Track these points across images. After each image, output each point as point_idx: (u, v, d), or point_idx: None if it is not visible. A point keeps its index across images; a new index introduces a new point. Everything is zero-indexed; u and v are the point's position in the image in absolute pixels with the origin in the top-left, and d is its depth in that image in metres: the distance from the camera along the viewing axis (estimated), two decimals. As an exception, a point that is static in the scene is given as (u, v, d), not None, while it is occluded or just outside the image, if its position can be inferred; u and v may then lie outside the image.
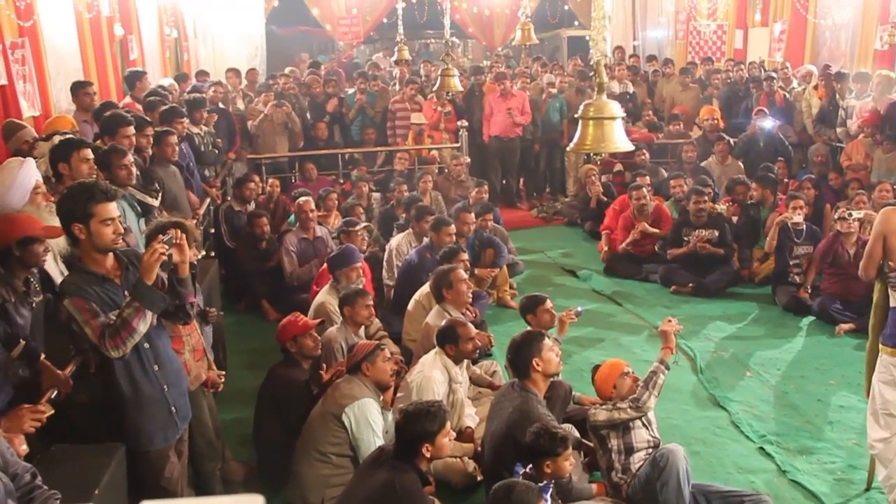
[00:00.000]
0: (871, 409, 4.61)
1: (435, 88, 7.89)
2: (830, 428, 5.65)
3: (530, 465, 4.04)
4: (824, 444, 5.46)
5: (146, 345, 3.80)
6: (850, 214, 7.26)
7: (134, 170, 5.52)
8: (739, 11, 15.40)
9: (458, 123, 11.42)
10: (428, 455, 3.98)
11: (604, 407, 4.67)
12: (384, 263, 7.99)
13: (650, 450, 4.59)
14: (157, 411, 3.90)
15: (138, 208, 5.63)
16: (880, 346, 4.49)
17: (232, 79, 12.00)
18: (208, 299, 5.93)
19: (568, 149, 3.12)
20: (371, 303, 5.80)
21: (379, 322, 6.71)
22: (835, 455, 5.31)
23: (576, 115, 2.95)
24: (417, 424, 3.96)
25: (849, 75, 10.98)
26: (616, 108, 2.88)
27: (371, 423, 4.61)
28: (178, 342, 4.43)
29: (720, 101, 12.38)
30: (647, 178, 9.78)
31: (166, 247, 3.64)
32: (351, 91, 12.65)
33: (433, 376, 5.12)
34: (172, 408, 3.96)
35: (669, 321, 4.95)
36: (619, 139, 2.85)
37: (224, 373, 5.05)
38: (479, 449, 5.04)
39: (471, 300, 6.39)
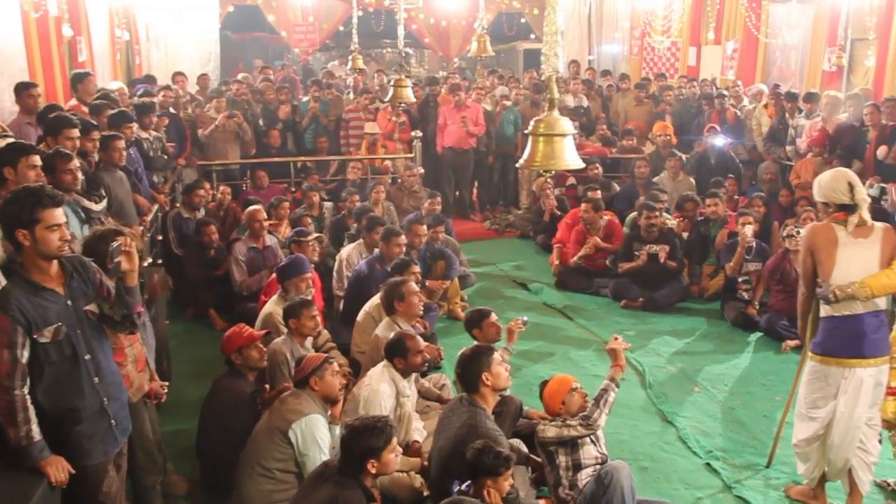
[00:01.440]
0: (797, 412, 4.89)
1: (387, 99, 7.83)
2: (779, 444, 5.67)
3: (468, 483, 3.99)
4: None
5: (87, 356, 3.69)
6: (798, 232, 7.34)
7: (79, 174, 5.40)
8: (693, 29, 15.60)
9: (412, 134, 11.39)
10: (373, 471, 3.91)
11: (553, 423, 4.64)
12: (334, 274, 7.91)
13: (597, 466, 4.58)
14: (96, 424, 3.78)
15: (82, 214, 5.50)
16: (809, 353, 4.76)
17: (181, 83, 11.82)
18: (154, 308, 5.80)
19: (517, 165, 3.07)
20: (317, 313, 5.71)
21: (327, 333, 6.64)
22: (780, 471, 5.35)
23: (526, 132, 2.93)
24: (363, 440, 3.89)
25: (798, 95, 11.17)
26: (567, 125, 2.86)
27: (318, 441, 4.52)
28: (121, 354, 4.31)
29: (673, 118, 12.51)
30: (599, 192, 9.83)
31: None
32: (305, 99, 12.56)
33: (381, 390, 5.06)
34: (112, 421, 3.84)
35: (617, 339, 4.97)
36: (569, 156, 2.82)
37: (167, 383, 4.93)
38: (426, 464, 4.98)
39: (421, 312, 6.33)
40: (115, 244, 3.63)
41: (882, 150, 9.22)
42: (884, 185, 9.06)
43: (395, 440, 4.02)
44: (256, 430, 4.72)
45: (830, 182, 4.63)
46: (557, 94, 2.92)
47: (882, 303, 4.59)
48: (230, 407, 4.99)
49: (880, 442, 4.82)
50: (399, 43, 7.21)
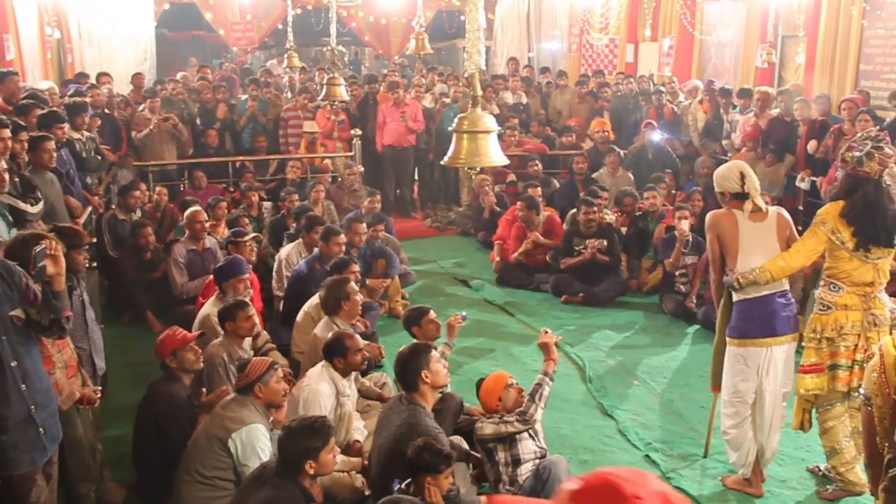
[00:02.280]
0: (723, 400, 5.09)
1: (320, 97, 7.78)
2: (713, 434, 5.77)
3: (408, 481, 3.98)
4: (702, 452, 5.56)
5: (13, 363, 3.59)
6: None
7: (6, 176, 5.26)
8: (630, 26, 15.79)
9: (352, 132, 11.33)
10: (311, 472, 3.88)
11: (490, 420, 4.66)
12: (274, 274, 7.83)
13: (537, 461, 4.61)
14: (23, 433, 3.68)
15: (9, 217, 5.36)
16: (727, 339, 4.96)
17: (106, 83, 11.57)
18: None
19: (442, 162, 3.08)
20: (253, 314, 5.64)
21: (267, 334, 6.57)
22: (717, 461, 5.43)
23: (450, 129, 2.94)
24: (300, 441, 3.86)
25: (732, 91, 11.37)
26: (491, 122, 2.87)
27: (258, 451, 4.44)
28: (48, 362, 4.20)
29: (611, 114, 12.63)
30: (539, 188, 9.88)
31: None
32: (243, 97, 12.42)
33: (320, 390, 5.02)
34: (41, 429, 3.75)
35: (547, 332, 5.04)
36: (493, 153, 2.82)
37: (100, 388, 4.84)
38: (367, 463, 4.96)
39: (361, 311, 6.31)
40: (38, 248, 3.54)
41: (812, 145, 9.43)
42: (814, 178, 9.28)
43: (332, 440, 3.99)
44: (196, 436, 4.64)
45: (725, 173, 4.98)
46: (480, 91, 2.93)
47: (786, 282, 4.91)
48: (166, 411, 4.90)
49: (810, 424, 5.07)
50: (332, 41, 7.14)
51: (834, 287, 4.76)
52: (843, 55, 10.78)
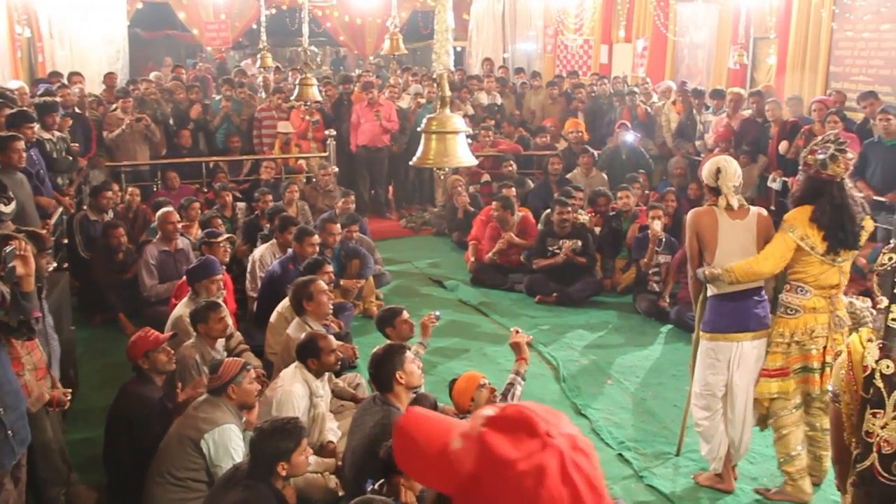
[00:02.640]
0: (693, 392, 5.15)
1: (293, 98, 7.77)
2: (686, 433, 5.81)
3: (381, 482, 3.97)
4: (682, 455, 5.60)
5: (-20, 365, 3.56)
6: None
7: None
8: (604, 27, 15.86)
9: (326, 132, 11.31)
10: (283, 473, 3.87)
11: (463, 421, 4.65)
12: (247, 275, 7.80)
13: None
14: (-10, 436, 3.65)
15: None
16: (700, 332, 5.03)
17: (78, 82, 11.47)
18: (57, 314, 5.64)
19: (411, 163, 3.08)
20: (225, 315, 5.61)
21: (240, 335, 6.55)
22: (689, 459, 5.47)
23: (418, 129, 2.95)
24: (273, 442, 3.85)
25: (705, 92, 11.46)
26: (459, 123, 2.88)
27: (231, 451, 4.42)
28: (17, 363, 4.16)
29: (585, 115, 12.68)
30: (514, 189, 9.91)
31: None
32: (217, 98, 12.36)
33: (294, 391, 5.00)
34: (9, 431, 3.71)
35: (518, 332, 5.05)
36: (461, 154, 2.83)
37: (70, 390, 4.79)
38: (341, 464, 4.95)
39: (332, 312, 6.29)
40: (7, 249, 3.51)
41: (783, 146, 9.53)
42: (786, 178, 9.36)
43: (305, 441, 3.98)
44: (168, 438, 4.61)
45: (707, 165, 5.06)
46: (449, 92, 2.94)
47: (762, 280, 4.92)
48: (138, 413, 4.86)
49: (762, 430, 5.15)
50: (304, 41, 7.13)
51: (801, 290, 4.75)
52: (814, 57, 10.91)
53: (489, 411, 1.50)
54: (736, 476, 5.18)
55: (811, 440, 4.98)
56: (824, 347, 4.72)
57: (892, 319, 2.99)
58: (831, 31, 10.64)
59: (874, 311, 6.88)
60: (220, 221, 8.51)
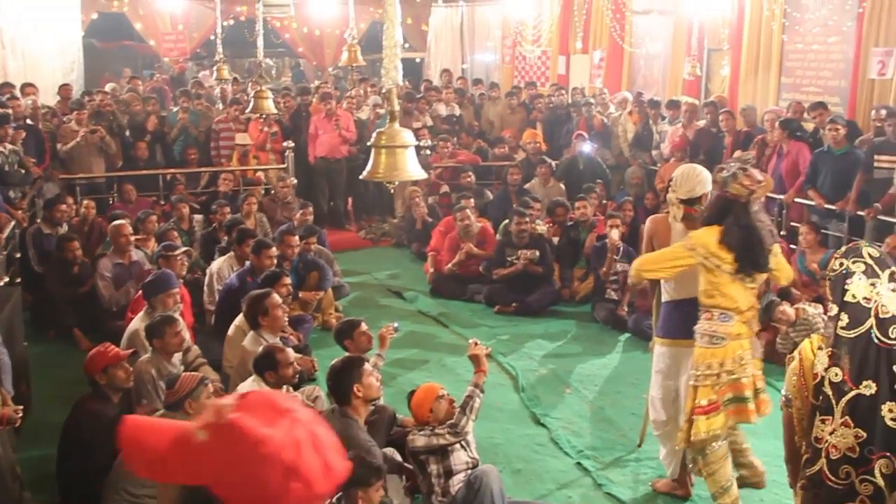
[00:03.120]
0: (650, 396, 5.19)
1: (248, 110, 7.74)
2: (645, 439, 5.88)
3: (339, 495, 3.97)
4: (638, 455, 5.68)
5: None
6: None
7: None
8: (562, 39, 16.00)
9: (285, 144, 11.27)
10: None
11: (422, 433, 4.67)
12: (205, 288, 7.75)
13: (469, 471, 4.64)
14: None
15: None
16: (655, 338, 5.01)
17: (31, 94, 11.31)
18: (9, 330, 5.56)
19: (361, 176, 3.11)
20: (181, 329, 5.56)
21: (198, 349, 6.49)
22: (647, 466, 5.52)
23: (368, 143, 2.97)
24: None
25: (661, 102, 11.60)
26: (408, 137, 2.91)
27: None
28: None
29: (543, 125, 12.78)
30: (472, 199, 9.95)
31: None
32: (175, 109, 12.28)
33: (251, 404, 4.97)
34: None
35: (477, 344, 5.05)
36: (411, 167, 2.87)
37: (22, 407, 4.73)
38: (300, 477, 4.92)
39: (290, 324, 6.28)
40: None
41: (737, 155, 9.66)
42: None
43: None
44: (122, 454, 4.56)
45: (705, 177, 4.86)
46: (398, 106, 2.97)
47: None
48: (92, 430, 4.79)
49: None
50: (259, 53, 7.12)
51: (724, 317, 4.54)
52: (766, 68, 11.10)
53: (229, 401, 1.58)
54: (692, 482, 5.22)
55: (737, 453, 4.86)
56: (753, 374, 4.57)
57: (842, 328, 3.02)
58: (782, 43, 10.84)
59: (825, 318, 7.02)
60: (175, 234, 8.44)
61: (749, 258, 4.48)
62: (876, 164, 8.19)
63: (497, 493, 4.44)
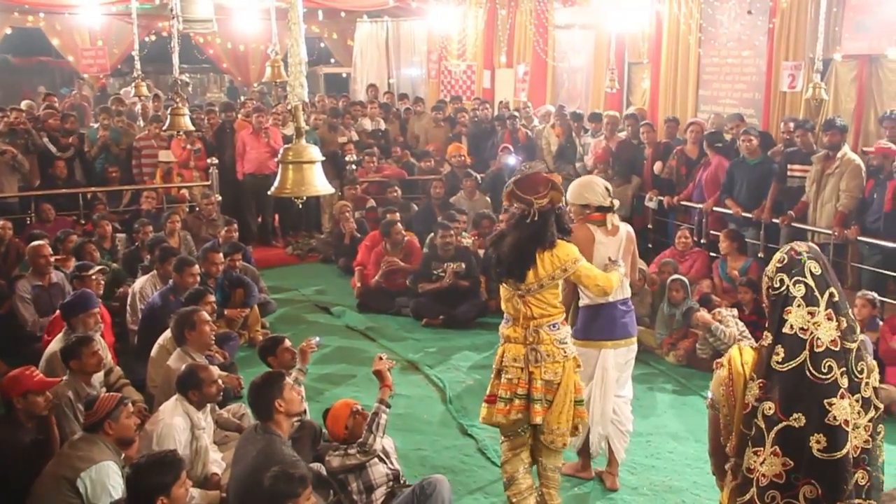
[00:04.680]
0: None
1: (165, 128, 7.66)
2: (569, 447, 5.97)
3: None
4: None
5: None
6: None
7: None
8: (486, 53, 16.16)
9: (209, 161, 11.16)
10: None
11: (336, 453, 4.73)
12: (128, 307, 7.62)
13: (391, 483, 4.71)
14: None
15: None
16: (572, 339, 4.93)
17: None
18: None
19: (269, 192, 3.13)
20: (98, 349, 5.46)
21: (120, 370, 6.39)
22: (573, 478, 5.59)
23: (276, 159, 3.00)
24: (150, 477, 3.78)
25: (584, 115, 11.80)
26: (315, 153, 2.96)
27: (109, 489, 4.29)
28: None
29: (468, 139, 12.89)
30: (398, 213, 9.98)
31: None
32: (95, 126, 12.05)
33: (175, 423, 4.91)
34: None
35: (381, 359, 5.11)
36: (318, 182, 2.91)
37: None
38: (226, 496, 4.88)
39: (216, 342, 6.22)
40: None
41: (657, 166, 9.91)
42: (661, 197, 9.75)
43: (184, 474, 3.92)
44: (40, 479, 4.42)
45: (592, 186, 5.22)
46: (304, 123, 3.01)
47: (628, 291, 5.27)
48: (5, 458, 4.66)
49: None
50: (175, 70, 7.06)
51: (505, 319, 4.79)
52: (684, 81, 11.40)
53: None
54: (589, 470, 5.57)
55: (541, 478, 4.92)
56: (519, 379, 4.62)
57: (777, 362, 2.94)
58: (699, 57, 11.15)
59: (739, 321, 7.25)
60: (93, 247, 8.29)
61: (501, 265, 4.71)
62: (788, 174, 8.49)
63: (448, 502, 4.58)
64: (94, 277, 7.09)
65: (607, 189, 5.18)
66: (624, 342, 5.26)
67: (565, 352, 4.64)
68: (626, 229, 5.26)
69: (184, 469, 3.92)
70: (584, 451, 5.50)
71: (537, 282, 4.57)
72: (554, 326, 4.63)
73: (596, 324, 5.19)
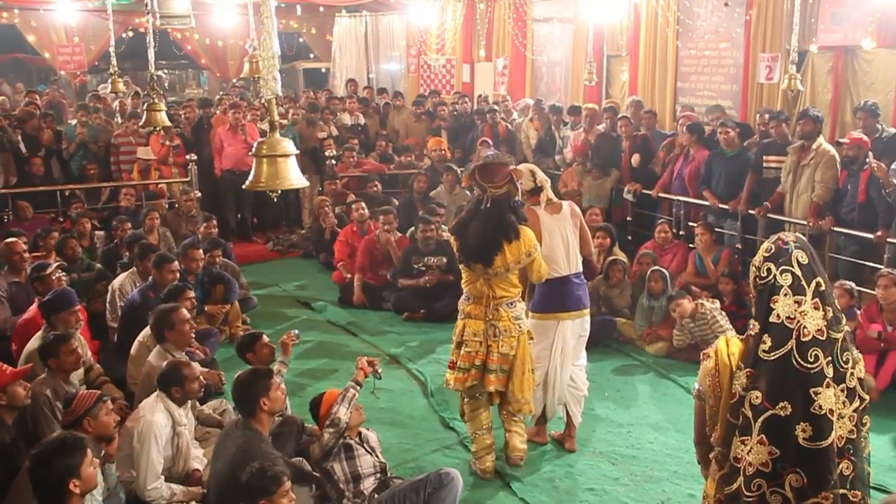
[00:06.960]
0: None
1: (141, 124, 7.63)
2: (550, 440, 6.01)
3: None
4: (547, 455, 5.81)
5: None
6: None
7: None
8: (465, 47, 16.17)
9: (187, 157, 11.11)
10: (77, 491, 3.70)
11: (315, 444, 4.75)
12: (107, 305, 7.59)
13: (378, 474, 4.74)
14: None
15: None
16: (530, 313, 5.61)
17: None
18: None
19: (244, 186, 3.15)
20: (76, 346, 5.42)
21: (100, 367, 6.37)
22: (553, 464, 5.66)
23: (251, 153, 3.02)
24: (55, 462, 3.65)
25: (563, 108, 11.82)
26: (289, 147, 2.98)
27: None
28: None
29: (448, 133, 12.89)
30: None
31: None
32: (73, 123, 11.97)
33: (155, 420, 4.90)
34: None
35: (362, 360, 5.26)
36: (293, 176, 2.94)
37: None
38: (207, 491, 4.88)
39: (197, 338, 6.21)
40: None
41: (635, 159, 9.95)
42: (642, 190, 9.80)
43: (90, 452, 3.83)
44: (19, 478, 4.40)
45: (524, 173, 5.59)
46: (277, 116, 3.03)
47: (580, 265, 5.66)
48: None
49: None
50: (150, 66, 7.04)
51: (466, 296, 5.41)
52: (662, 74, 11.45)
53: None
54: (544, 435, 5.92)
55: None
56: (477, 352, 5.29)
57: (763, 351, 2.97)
58: (677, 50, 11.20)
59: (722, 312, 7.30)
60: (75, 243, 8.26)
61: (465, 251, 5.27)
62: (765, 165, 8.54)
63: (458, 495, 4.71)
64: (53, 277, 7.03)
65: (532, 171, 5.63)
66: (578, 313, 5.64)
67: (520, 327, 5.28)
68: (568, 206, 5.71)
69: (88, 447, 3.84)
70: (541, 418, 5.84)
71: (504, 266, 5.16)
72: (511, 304, 5.27)
73: (553, 297, 5.58)
